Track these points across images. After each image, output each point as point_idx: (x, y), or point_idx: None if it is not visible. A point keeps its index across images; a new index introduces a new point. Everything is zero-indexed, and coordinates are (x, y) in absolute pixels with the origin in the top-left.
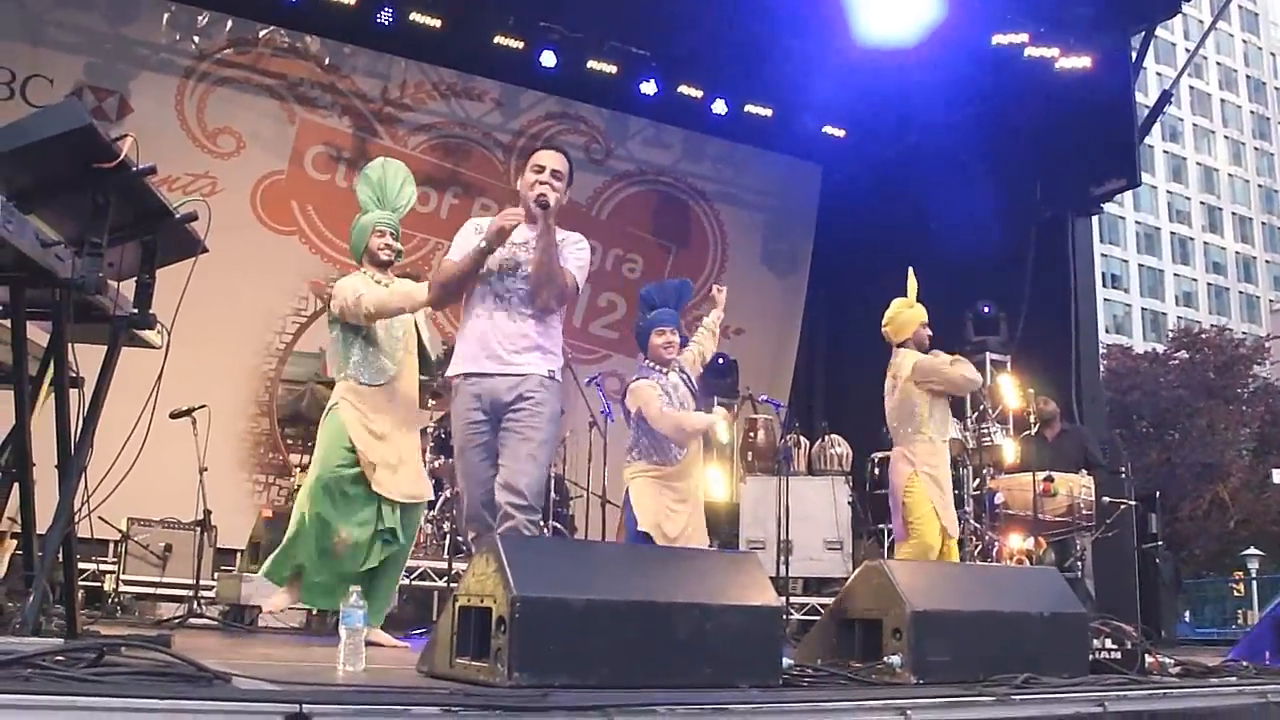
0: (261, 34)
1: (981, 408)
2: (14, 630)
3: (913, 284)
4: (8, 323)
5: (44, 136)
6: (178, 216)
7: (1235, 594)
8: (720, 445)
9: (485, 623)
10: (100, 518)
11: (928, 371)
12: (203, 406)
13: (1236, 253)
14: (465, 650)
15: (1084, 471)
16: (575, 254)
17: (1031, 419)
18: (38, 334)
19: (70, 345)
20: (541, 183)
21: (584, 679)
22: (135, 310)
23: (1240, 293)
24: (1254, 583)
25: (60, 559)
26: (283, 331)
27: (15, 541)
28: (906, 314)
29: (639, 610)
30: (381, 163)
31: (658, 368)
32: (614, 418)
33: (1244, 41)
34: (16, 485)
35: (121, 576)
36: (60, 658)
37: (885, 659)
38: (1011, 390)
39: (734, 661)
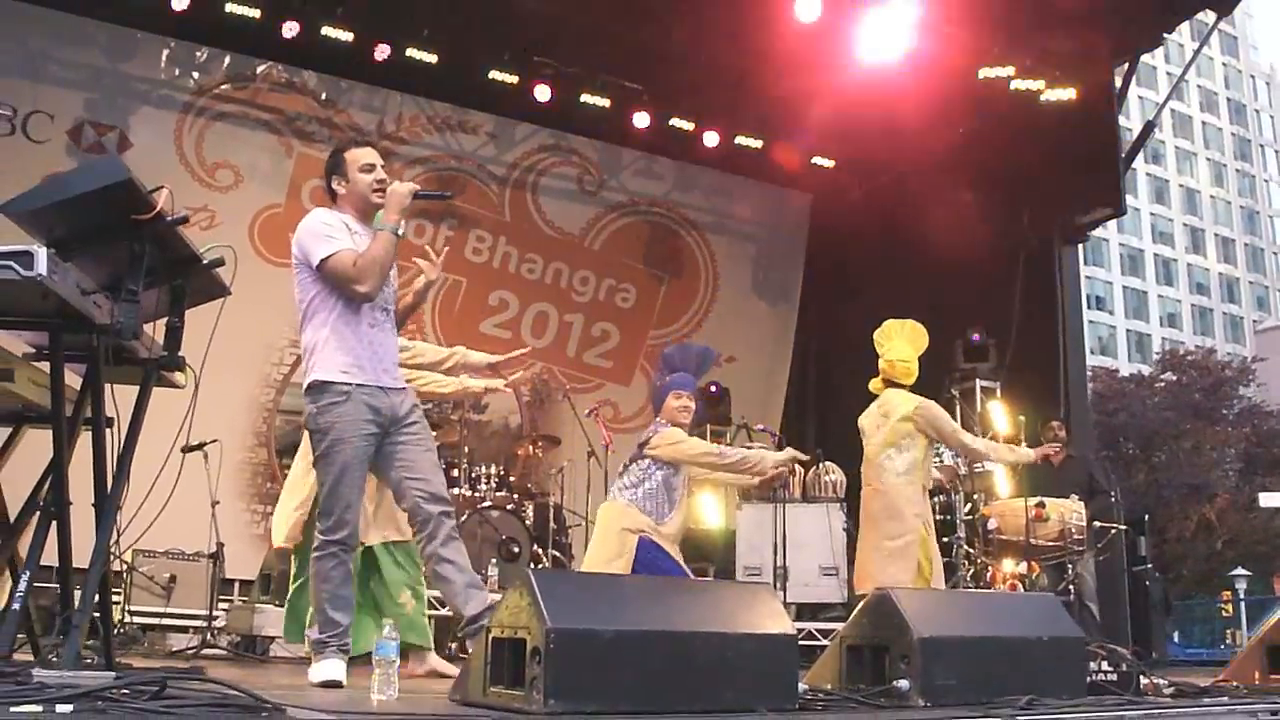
0: (259, 69)
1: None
2: (54, 665)
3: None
4: (43, 365)
5: (86, 190)
6: (205, 263)
7: (1223, 614)
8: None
9: (519, 653)
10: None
11: (930, 420)
12: (214, 441)
13: (1220, 273)
14: (499, 679)
15: (1074, 496)
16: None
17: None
18: (69, 375)
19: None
20: (380, 180)
21: (614, 705)
22: (165, 353)
23: (1224, 313)
24: (1242, 603)
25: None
26: (280, 363)
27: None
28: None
29: (664, 640)
30: None
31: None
32: (614, 449)
33: (1224, 64)
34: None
35: (127, 608)
36: (125, 690)
37: (894, 683)
38: (1002, 417)
39: (753, 687)
